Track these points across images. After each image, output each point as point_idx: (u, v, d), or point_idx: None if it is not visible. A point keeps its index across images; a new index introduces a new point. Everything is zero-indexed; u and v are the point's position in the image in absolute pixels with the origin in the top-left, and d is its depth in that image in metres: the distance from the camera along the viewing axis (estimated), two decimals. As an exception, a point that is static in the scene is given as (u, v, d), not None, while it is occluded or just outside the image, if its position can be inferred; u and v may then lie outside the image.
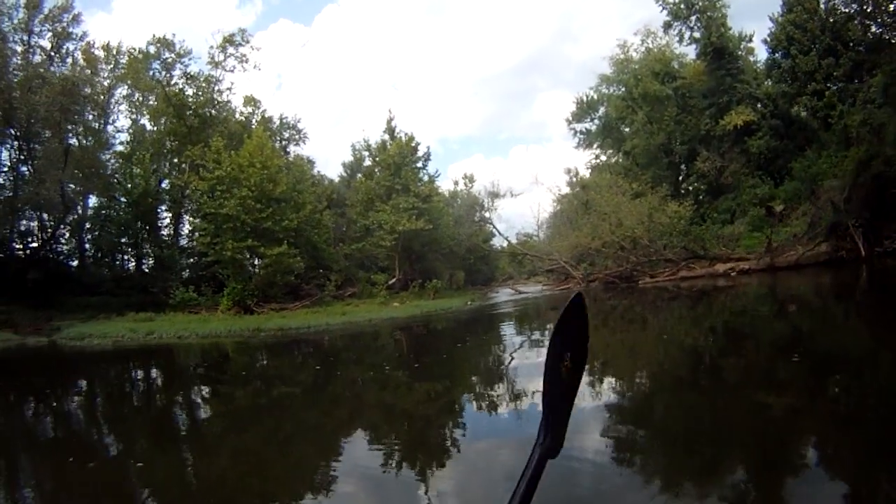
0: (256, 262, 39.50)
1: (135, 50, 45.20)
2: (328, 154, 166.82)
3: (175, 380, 17.45)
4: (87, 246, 46.61)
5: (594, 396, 9.48)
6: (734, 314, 20.47)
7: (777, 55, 45.96)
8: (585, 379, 11.25)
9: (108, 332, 27.21)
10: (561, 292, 43.20)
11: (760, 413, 7.83)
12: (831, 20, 42.90)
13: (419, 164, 50.09)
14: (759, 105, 46.97)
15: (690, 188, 52.39)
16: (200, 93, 46.34)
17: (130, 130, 48.44)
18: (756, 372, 10.62)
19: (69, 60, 43.49)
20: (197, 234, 42.18)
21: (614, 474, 6.17)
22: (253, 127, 46.32)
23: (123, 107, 48.16)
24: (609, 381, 11.13)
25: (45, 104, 36.11)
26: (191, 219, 45.56)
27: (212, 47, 45.81)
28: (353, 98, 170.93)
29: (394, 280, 45.40)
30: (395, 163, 47.06)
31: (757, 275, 32.02)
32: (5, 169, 40.65)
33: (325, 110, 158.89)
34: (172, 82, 45.63)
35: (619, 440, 7.37)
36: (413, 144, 49.21)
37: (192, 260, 46.09)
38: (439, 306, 35.53)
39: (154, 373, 19.46)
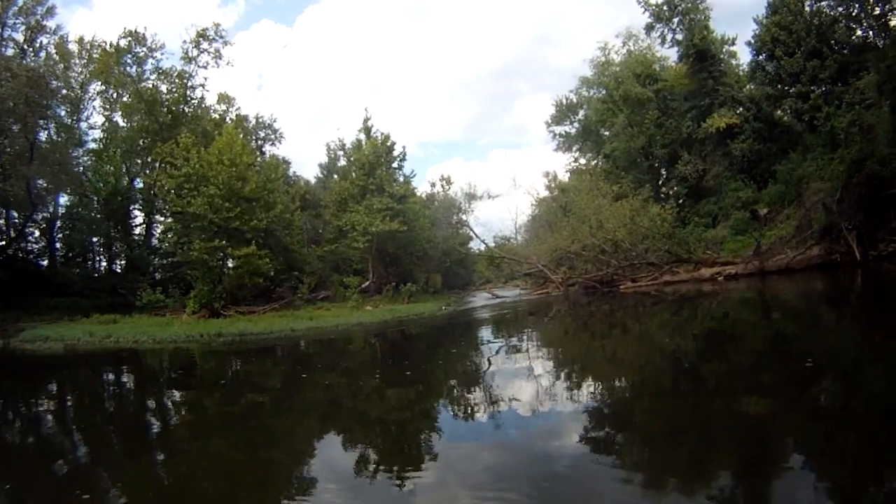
0: (230, 263, 37.20)
1: (106, 43, 42.82)
2: (307, 156, 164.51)
3: (99, 389, 15.12)
4: (59, 245, 45.13)
5: (574, 403, 9.01)
6: (720, 320, 18.46)
7: (761, 57, 43.76)
8: (564, 384, 10.80)
9: (65, 335, 25.15)
10: (539, 297, 40.80)
11: (745, 419, 7.28)
12: (816, 22, 40.97)
13: (395, 165, 47.77)
14: (741, 108, 45.36)
15: (671, 192, 50.14)
16: (174, 89, 44.26)
17: (104, 127, 46.52)
18: (741, 379, 9.67)
19: (42, 54, 42.12)
20: (167, 233, 39.98)
21: (599, 477, 5.80)
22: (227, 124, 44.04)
23: (97, 103, 46.39)
24: (589, 389, 10.26)
25: (11, 96, 34.00)
26: (160, 219, 42.96)
27: (185, 42, 43.99)
28: (334, 100, 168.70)
29: (367, 283, 42.96)
30: (370, 162, 44.66)
31: (745, 279, 29.77)
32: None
33: (305, 112, 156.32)
34: (144, 77, 43.58)
35: (600, 444, 6.94)
36: (389, 144, 46.82)
37: (164, 261, 43.65)
38: (413, 311, 32.94)
39: (82, 380, 17.03)
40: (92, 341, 24.08)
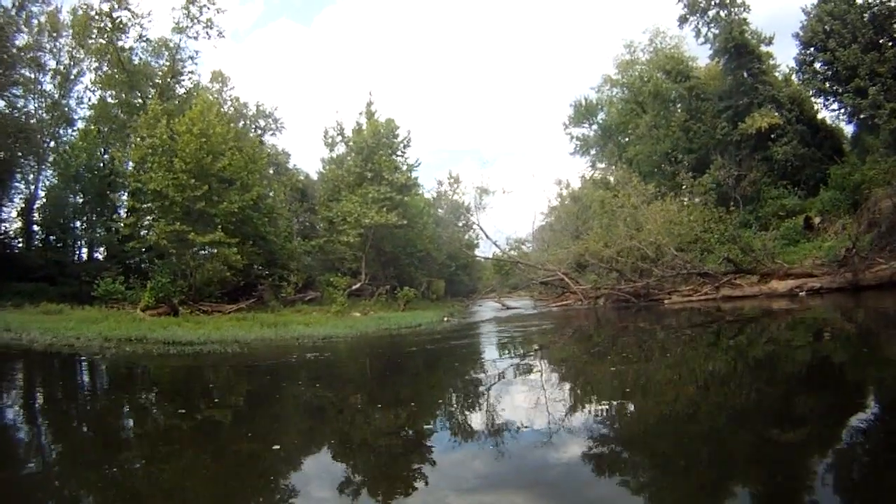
0: (206, 251, 29.04)
1: (85, 6, 34.47)
2: (316, 155, 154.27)
3: None
4: (36, 228, 38.32)
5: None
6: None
7: (812, 49, 35.30)
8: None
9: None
10: (560, 309, 31.69)
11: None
12: (872, 11, 32.79)
13: (398, 152, 38.49)
14: (782, 110, 37.45)
15: (697, 200, 41.54)
16: (163, 62, 37.12)
17: (89, 102, 39.84)
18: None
19: (35, 23, 36.59)
20: (127, 215, 32.39)
21: None
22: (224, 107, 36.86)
23: (88, 78, 39.45)
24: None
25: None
26: (128, 200, 34.71)
27: (174, 9, 36.58)
28: (347, 103, 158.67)
29: (358, 285, 34.29)
30: (369, 146, 36.08)
31: (831, 296, 21.35)
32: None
33: (318, 113, 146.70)
34: (129, 47, 35.79)
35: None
36: (392, 128, 37.81)
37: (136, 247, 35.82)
38: (407, 321, 24.12)
39: None
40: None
